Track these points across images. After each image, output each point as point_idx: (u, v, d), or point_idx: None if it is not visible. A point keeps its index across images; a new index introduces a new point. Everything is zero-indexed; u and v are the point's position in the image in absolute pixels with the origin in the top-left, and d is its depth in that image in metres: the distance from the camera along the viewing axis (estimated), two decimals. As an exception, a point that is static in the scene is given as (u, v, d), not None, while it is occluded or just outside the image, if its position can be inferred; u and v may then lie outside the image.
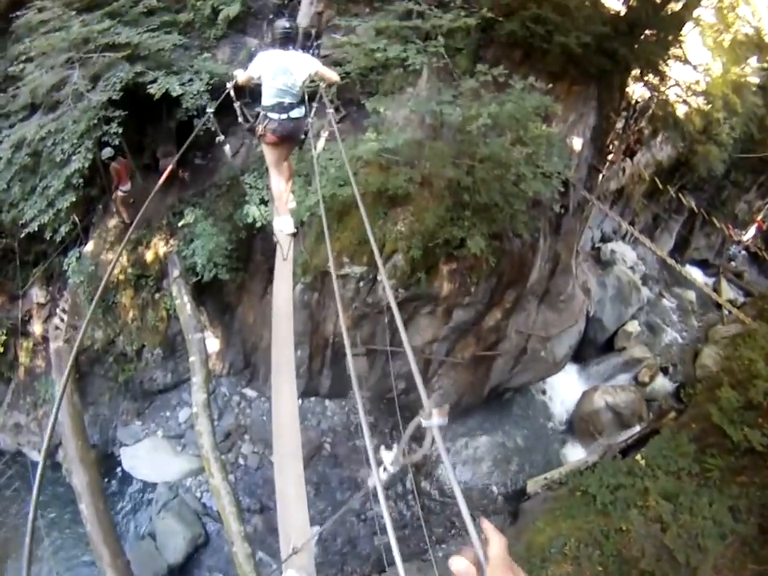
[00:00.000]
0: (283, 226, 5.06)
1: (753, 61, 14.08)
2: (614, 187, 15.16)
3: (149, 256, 10.19)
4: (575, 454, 12.30)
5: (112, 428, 10.89)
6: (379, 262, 2.05)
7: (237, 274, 10.20)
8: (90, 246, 10.19)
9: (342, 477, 10.25)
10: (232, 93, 4.37)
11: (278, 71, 4.24)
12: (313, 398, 10.98)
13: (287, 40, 4.32)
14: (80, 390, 10.09)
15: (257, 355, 11.14)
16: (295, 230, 5.11)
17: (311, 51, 9.61)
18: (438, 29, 8.38)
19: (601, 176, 12.20)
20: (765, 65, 14.26)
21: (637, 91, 13.15)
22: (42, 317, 10.92)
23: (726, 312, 16.68)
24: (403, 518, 10.02)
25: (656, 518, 7.15)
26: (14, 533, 9.50)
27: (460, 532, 10.02)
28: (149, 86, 8.82)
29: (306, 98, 4.52)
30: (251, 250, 10.30)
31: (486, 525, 0.93)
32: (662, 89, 12.06)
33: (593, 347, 14.57)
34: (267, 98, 4.34)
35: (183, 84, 9.08)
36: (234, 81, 4.47)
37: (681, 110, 13.28)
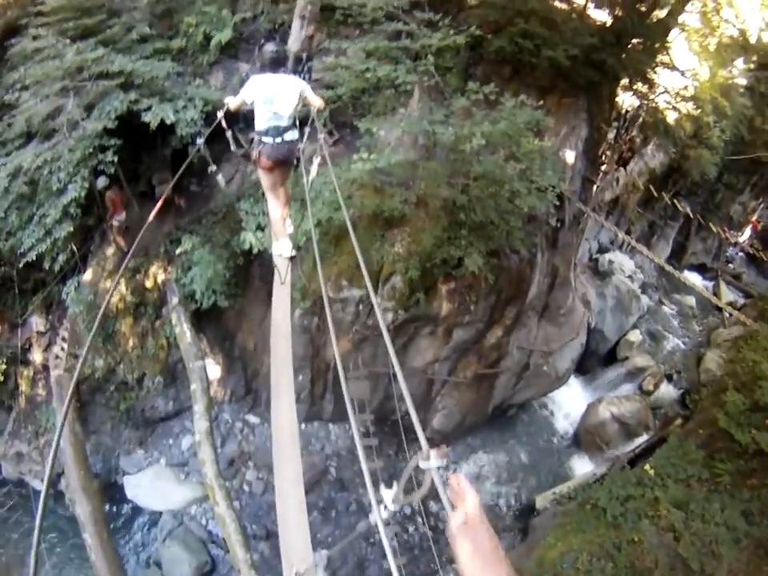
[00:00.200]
0: (282, 250, 5.06)
1: (739, 63, 14.26)
2: (609, 197, 15.23)
3: (147, 284, 10.16)
4: (583, 467, 12.18)
5: (114, 457, 10.77)
6: (370, 288, 2.08)
7: (235, 301, 10.16)
8: (88, 275, 10.16)
9: (349, 500, 10.15)
10: (223, 122, 4.39)
11: (270, 94, 4.28)
12: (316, 423, 10.89)
13: (277, 63, 4.38)
14: (81, 418, 10.01)
15: (258, 381, 11.06)
16: (294, 254, 5.11)
17: (302, 75, 9.67)
18: (427, 48, 8.45)
19: (595, 187, 12.27)
20: (751, 66, 14.40)
21: (626, 100, 13.28)
22: (42, 345, 10.84)
23: (727, 315, 16.69)
24: (411, 540, 9.90)
25: (668, 527, 7.10)
26: (15, 562, 9.36)
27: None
28: (143, 114, 8.84)
29: (298, 122, 4.55)
30: (249, 276, 10.27)
31: (462, 480, 0.93)
32: (651, 96, 12.14)
33: (595, 359, 14.51)
34: (261, 123, 4.38)
35: (177, 111, 9.11)
36: (225, 108, 4.49)
37: (671, 117, 13.34)
